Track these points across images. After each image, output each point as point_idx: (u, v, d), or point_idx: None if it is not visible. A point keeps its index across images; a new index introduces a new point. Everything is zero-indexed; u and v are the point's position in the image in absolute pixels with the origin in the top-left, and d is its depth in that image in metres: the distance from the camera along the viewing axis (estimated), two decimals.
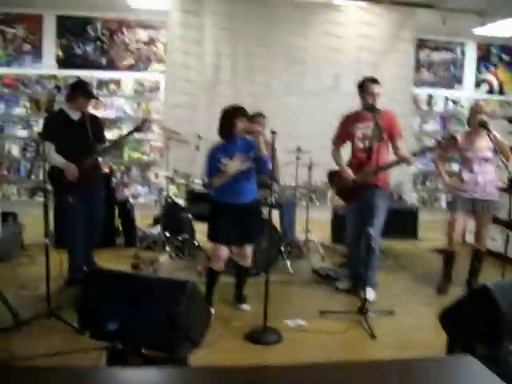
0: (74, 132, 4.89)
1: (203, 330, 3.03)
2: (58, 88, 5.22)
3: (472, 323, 3.10)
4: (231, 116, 4.30)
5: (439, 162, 5.42)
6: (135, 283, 2.94)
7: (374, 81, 4.86)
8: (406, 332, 4.36)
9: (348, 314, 4.54)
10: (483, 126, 4.89)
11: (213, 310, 4.46)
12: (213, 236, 4.49)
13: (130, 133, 5.14)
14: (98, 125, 5.18)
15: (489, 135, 4.83)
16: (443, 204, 9.46)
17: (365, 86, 4.86)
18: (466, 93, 9.40)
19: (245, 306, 4.67)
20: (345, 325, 4.38)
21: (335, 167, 5.20)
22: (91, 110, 7.91)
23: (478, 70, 9.47)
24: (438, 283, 5.41)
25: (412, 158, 4.73)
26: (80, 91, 4.92)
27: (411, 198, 8.97)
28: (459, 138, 5.22)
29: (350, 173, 4.95)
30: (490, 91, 9.53)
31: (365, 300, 4.48)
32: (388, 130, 4.82)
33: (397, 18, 7.27)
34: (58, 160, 4.79)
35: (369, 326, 4.27)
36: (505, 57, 9.49)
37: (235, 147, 4.34)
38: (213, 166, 4.31)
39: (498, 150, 4.87)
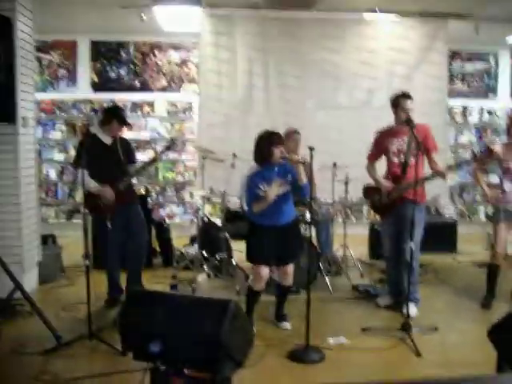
0: (107, 156, 4.94)
1: (246, 350, 2.99)
2: (94, 111, 5.31)
3: None
4: (268, 143, 4.26)
5: (478, 174, 5.32)
6: (176, 303, 2.94)
7: (407, 96, 4.83)
8: (451, 349, 4.26)
9: (390, 331, 4.46)
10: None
11: (254, 329, 4.45)
12: (252, 258, 4.47)
13: (161, 153, 5.18)
14: (128, 147, 5.23)
15: None
16: (482, 216, 9.29)
17: (398, 102, 4.82)
18: (501, 102, 9.24)
19: (286, 325, 4.62)
20: (388, 342, 4.30)
21: (371, 182, 5.17)
22: (126, 131, 8.18)
23: None
24: (482, 298, 5.27)
25: (447, 172, 4.67)
26: (115, 117, 4.97)
27: (449, 211, 8.83)
28: (498, 148, 5.11)
29: (388, 184, 4.91)
30: None
31: (407, 316, 4.40)
32: (423, 144, 4.76)
33: (429, 30, 7.18)
34: (93, 186, 4.81)
35: (413, 343, 4.18)
36: None
37: (273, 172, 4.31)
38: (252, 193, 4.31)
39: None
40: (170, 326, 2.84)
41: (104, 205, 4.85)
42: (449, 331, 4.58)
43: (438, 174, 4.65)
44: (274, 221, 4.37)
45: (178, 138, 8.17)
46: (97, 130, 5.02)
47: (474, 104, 9.14)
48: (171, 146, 5.11)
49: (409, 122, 4.65)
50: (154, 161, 5.23)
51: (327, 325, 4.73)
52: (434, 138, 4.92)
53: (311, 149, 3.96)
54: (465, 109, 9.07)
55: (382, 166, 5.14)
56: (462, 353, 4.18)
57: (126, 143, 5.21)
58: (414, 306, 4.90)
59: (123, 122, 5.04)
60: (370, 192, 5.19)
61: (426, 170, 4.86)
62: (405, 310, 4.50)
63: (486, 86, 9.23)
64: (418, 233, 4.79)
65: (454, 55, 8.71)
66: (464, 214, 9.28)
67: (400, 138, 4.88)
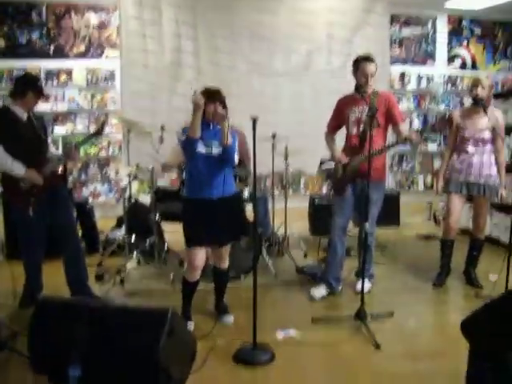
0: (24, 134, 4.19)
1: (188, 366, 2.47)
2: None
3: (505, 330, 2.62)
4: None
5: (443, 160, 4.92)
6: (101, 314, 2.35)
7: (368, 59, 4.34)
8: (411, 337, 3.89)
9: (344, 321, 4.04)
10: (476, 101, 4.46)
11: (192, 325, 3.94)
12: (187, 240, 3.91)
13: (88, 138, 4.59)
14: (43, 122, 4.53)
15: (485, 111, 4.38)
16: (421, 186, 9.08)
17: (358, 66, 4.34)
18: (439, 69, 8.99)
19: (228, 318, 4.11)
20: (342, 333, 3.89)
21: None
22: (40, 103, 7.35)
23: (450, 44, 9.05)
24: (434, 276, 4.96)
25: (418, 136, 4.18)
26: (30, 88, 4.21)
27: (388, 182, 8.54)
28: (455, 114, 4.74)
29: (342, 157, 4.45)
30: (463, 66, 9.14)
31: (362, 298, 3.99)
32: (386, 114, 4.34)
33: None
34: (15, 166, 4.07)
35: (370, 334, 3.77)
36: (476, 30, 9.10)
37: (209, 131, 3.79)
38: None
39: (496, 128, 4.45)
40: (93, 345, 2.26)
41: (27, 189, 4.14)
42: (405, 316, 4.22)
43: (408, 139, 4.12)
44: (206, 192, 3.80)
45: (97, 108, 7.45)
46: (10, 102, 4.24)
47: (412, 70, 8.83)
48: (102, 129, 4.42)
49: (359, 89, 4.20)
50: (80, 145, 4.64)
51: (274, 315, 4.24)
52: (398, 107, 4.50)
53: (254, 120, 3.41)
54: (403, 75, 8.74)
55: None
56: (423, 341, 3.84)
57: (40, 118, 4.50)
58: (368, 282, 4.64)
59: (40, 94, 4.30)
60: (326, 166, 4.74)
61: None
62: (359, 287, 4.14)
63: (424, 52, 8.93)
64: (376, 213, 4.43)
65: (391, 20, 8.31)
66: (403, 184, 9.04)
67: (361, 106, 4.41)
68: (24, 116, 4.23)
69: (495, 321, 2.70)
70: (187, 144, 3.73)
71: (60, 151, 4.76)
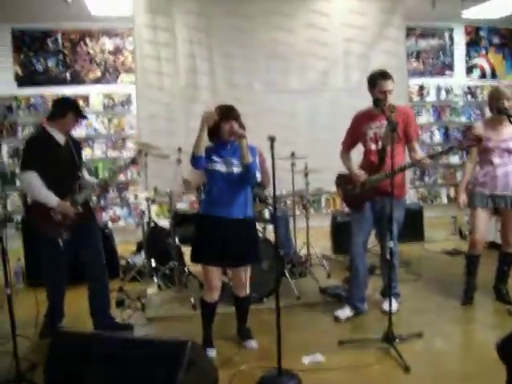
0: (61, 159, 4.08)
1: None
2: (9, 108, 4.45)
3: None
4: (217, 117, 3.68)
5: (465, 173, 4.72)
6: (116, 348, 2.26)
7: (386, 76, 4.23)
8: (441, 359, 3.72)
9: (371, 342, 3.90)
10: (503, 112, 4.31)
11: (214, 352, 3.84)
12: (198, 256, 3.82)
13: (126, 166, 4.59)
14: (79, 147, 4.41)
15: (510, 121, 4.24)
16: (444, 199, 8.90)
17: (375, 82, 4.24)
18: (458, 80, 8.87)
19: (251, 343, 3.99)
20: (370, 356, 3.74)
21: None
22: None
23: (468, 55, 8.93)
24: (462, 293, 4.79)
25: (427, 161, 4.09)
26: (70, 109, 4.12)
27: (410, 196, 8.38)
28: (478, 127, 4.60)
29: (361, 173, 4.34)
30: (483, 76, 9.00)
31: (389, 314, 3.85)
32: (404, 130, 4.22)
33: (386, 3, 6.66)
34: (48, 197, 3.98)
35: (399, 356, 3.63)
36: (494, 39, 8.97)
37: (226, 151, 3.75)
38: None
39: None
40: (108, 379, 2.18)
41: (59, 220, 4.03)
42: (434, 336, 4.06)
43: (417, 162, 4.08)
44: (225, 211, 3.72)
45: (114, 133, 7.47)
46: (47, 126, 4.12)
47: (431, 82, 8.71)
48: (136, 159, 4.48)
49: (378, 103, 4.09)
50: (112, 177, 4.57)
51: (298, 340, 4.10)
52: (416, 124, 4.39)
53: (272, 139, 3.33)
54: (421, 88, 8.63)
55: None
56: (455, 363, 3.68)
57: (77, 142, 4.40)
58: (395, 302, 4.46)
59: (80, 115, 4.21)
60: (342, 181, 4.61)
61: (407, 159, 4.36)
62: (385, 307, 4.08)
63: (442, 64, 8.81)
64: (397, 229, 4.27)
65: (408, 32, 8.22)
66: (426, 199, 8.87)
67: (378, 121, 4.30)
68: (62, 140, 4.13)
69: None
70: (194, 162, 3.67)
71: (94, 178, 4.64)
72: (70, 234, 4.08)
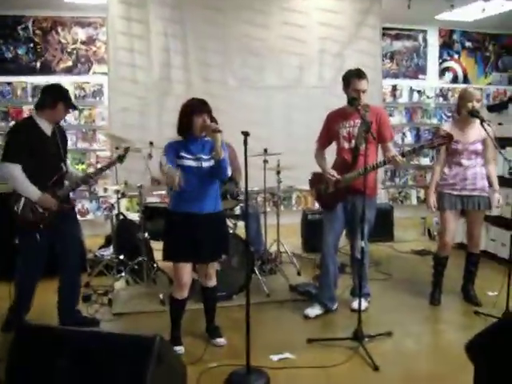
0: (46, 151, 3.93)
1: None
2: None
3: None
4: (189, 112, 3.61)
5: (433, 175, 4.71)
6: (81, 343, 2.20)
7: (360, 75, 4.22)
8: (411, 359, 3.74)
9: (340, 341, 3.89)
10: (475, 115, 4.34)
11: (182, 349, 3.78)
12: (170, 253, 3.76)
13: (112, 164, 4.32)
14: (65, 139, 4.27)
15: (482, 125, 4.27)
16: (414, 200, 8.98)
17: (349, 81, 4.22)
18: (431, 82, 8.95)
19: (220, 341, 3.94)
20: (339, 355, 3.72)
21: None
22: None
23: (441, 57, 9.02)
24: (430, 294, 4.83)
25: (399, 158, 4.03)
26: (61, 98, 3.96)
27: (381, 196, 8.43)
28: (447, 128, 4.61)
29: (333, 173, 4.31)
30: (455, 79, 9.10)
31: (359, 319, 3.84)
32: (377, 130, 4.21)
33: (362, 3, 6.68)
34: (29, 189, 3.85)
35: (368, 355, 3.63)
36: (467, 43, 9.07)
37: (196, 147, 3.67)
38: (172, 154, 3.61)
39: (492, 139, 4.35)
40: (74, 375, 2.11)
41: (39, 214, 3.91)
42: (403, 336, 4.09)
43: (390, 160, 4.06)
44: (196, 207, 3.66)
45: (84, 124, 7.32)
46: (35, 115, 3.97)
47: (404, 84, 8.77)
48: (123, 157, 4.26)
49: (353, 101, 4.09)
50: (96, 173, 4.31)
51: (268, 337, 4.08)
52: (389, 125, 4.40)
53: (245, 134, 3.29)
54: (394, 89, 8.68)
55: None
56: (424, 363, 3.69)
57: (63, 132, 4.24)
58: (364, 301, 4.47)
59: (71, 106, 4.07)
60: (316, 180, 4.59)
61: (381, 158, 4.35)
62: (355, 306, 4.15)
63: (415, 65, 8.88)
64: (368, 229, 4.27)
65: (383, 33, 8.25)
66: (396, 199, 8.94)
67: (352, 120, 4.30)
68: (48, 130, 3.98)
69: (505, 343, 2.57)
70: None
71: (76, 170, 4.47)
72: (49, 226, 3.95)
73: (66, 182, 4.11)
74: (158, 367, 2.10)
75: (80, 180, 4.15)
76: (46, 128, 3.96)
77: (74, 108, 4.22)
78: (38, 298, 4.34)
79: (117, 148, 5.49)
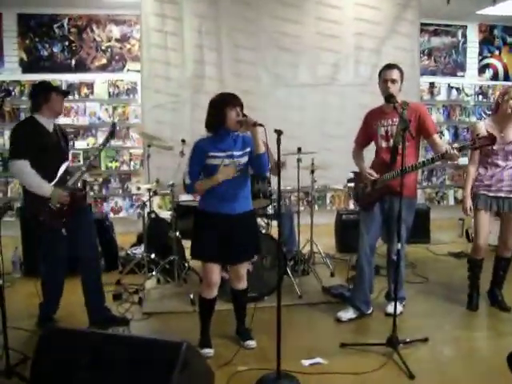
0: (50, 146, 3.98)
1: None
2: (6, 91, 4.28)
3: None
4: (221, 104, 3.49)
5: (468, 177, 4.50)
6: (104, 348, 2.14)
7: (390, 66, 4.13)
8: (447, 367, 3.59)
9: (374, 347, 3.77)
10: None
11: (211, 352, 3.71)
12: (198, 253, 3.70)
13: (105, 142, 4.27)
14: (66, 135, 4.36)
15: None
16: (451, 201, 8.75)
17: (380, 75, 4.14)
18: (470, 79, 8.69)
19: (250, 344, 3.86)
20: (373, 361, 3.60)
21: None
22: (61, 117, 7.23)
23: (481, 54, 8.75)
24: (467, 300, 4.65)
25: (456, 153, 3.81)
26: (51, 89, 4.02)
27: (418, 196, 8.23)
28: (482, 127, 4.41)
29: (371, 172, 4.20)
30: (495, 77, 8.82)
31: (394, 318, 3.71)
32: (419, 126, 4.07)
33: None
34: (41, 185, 3.86)
35: (403, 362, 3.50)
36: (508, 39, 8.78)
37: (229, 142, 3.56)
38: (198, 163, 3.54)
39: None
40: (96, 380, 2.06)
41: (58, 209, 3.92)
42: (440, 342, 3.94)
43: (448, 155, 3.82)
44: (226, 208, 3.58)
45: (118, 121, 7.31)
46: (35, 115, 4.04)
47: (442, 81, 8.54)
48: (113, 131, 4.26)
49: (389, 99, 3.95)
50: (96, 156, 4.31)
51: (299, 341, 3.98)
52: (431, 119, 4.24)
53: (279, 132, 3.19)
54: (432, 86, 8.46)
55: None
56: (460, 371, 3.53)
57: (65, 132, 4.35)
58: (399, 305, 4.34)
59: (62, 92, 4.13)
60: (356, 179, 4.51)
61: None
62: (390, 310, 4.04)
63: (454, 62, 8.64)
64: (405, 231, 4.13)
65: (421, 29, 8.04)
66: (433, 199, 8.72)
67: (389, 119, 4.17)
68: (50, 127, 4.05)
69: None
70: (188, 191, 3.68)
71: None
72: (69, 218, 3.97)
73: (73, 174, 4.09)
74: (184, 373, 2.03)
75: (85, 167, 4.13)
76: (48, 125, 4.02)
77: (67, 92, 4.28)
78: (68, 297, 4.34)
79: (149, 146, 5.48)
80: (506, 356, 2.59)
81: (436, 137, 4.15)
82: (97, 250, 4.42)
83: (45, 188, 3.86)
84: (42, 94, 3.98)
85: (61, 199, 3.90)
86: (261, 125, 3.36)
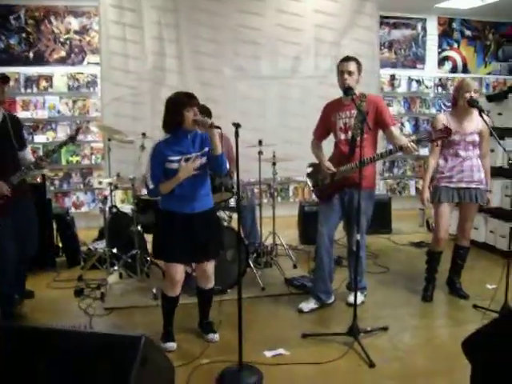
0: None
1: None
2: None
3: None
4: (177, 105, 3.44)
5: (427, 169, 4.54)
6: (61, 342, 2.12)
7: (347, 58, 4.16)
8: (405, 354, 3.66)
9: (335, 336, 3.81)
10: (474, 105, 4.23)
11: (174, 346, 3.70)
12: (160, 253, 3.69)
13: (61, 146, 4.23)
14: (20, 127, 4.30)
15: (481, 115, 4.17)
16: (412, 191, 8.88)
17: (337, 67, 4.17)
18: (430, 72, 8.83)
19: (213, 337, 3.86)
20: (334, 350, 3.64)
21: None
22: (20, 111, 7.10)
23: (440, 47, 8.89)
24: (423, 290, 4.73)
25: (414, 146, 3.81)
26: None
27: (379, 187, 8.34)
28: (442, 118, 4.48)
29: (329, 166, 4.22)
30: (454, 69, 8.97)
31: (354, 314, 3.75)
32: (376, 118, 4.12)
33: None
34: None
35: (364, 351, 3.55)
36: (466, 32, 8.94)
37: (186, 142, 3.53)
38: (158, 166, 3.49)
39: (490, 130, 4.25)
40: (52, 376, 2.03)
41: None
42: (399, 331, 4.02)
43: (402, 149, 3.85)
44: (187, 207, 3.56)
45: (83, 124, 7.26)
46: None
47: (402, 73, 8.65)
48: (74, 137, 4.20)
49: (347, 91, 3.99)
50: (53, 152, 4.27)
51: (261, 332, 4.01)
52: (388, 111, 4.28)
53: (236, 125, 3.18)
54: (393, 78, 8.56)
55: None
56: (420, 359, 3.61)
57: (17, 122, 4.26)
58: (360, 295, 4.45)
59: (2, 79, 4.03)
60: (313, 170, 4.52)
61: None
62: (351, 300, 4.09)
63: (414, 55, 8.76)
64: (364, 222, 4.18)
65: (381, 21, 8.11)
66: (394, 190, 8.84)
67: (347, 111, 4.20)
68: None
69: (502, 342, 2.49)
70: (152, 194, 3.65)
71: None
72: (7, 212, 3.97)
73: (20, 170, 4.07)
74: (143, 368, 2.02)
75: (32, 164, 4.10)
76: None
77: (6, 80, 4.12)
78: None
79: (109, 139, 5.42)
80: (461, 342, 2.63)
81: (393, 129, 4.19)
82: (36, 247, 4.42)
83: None
84: None
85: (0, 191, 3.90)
86: (217, 127, 3.36)
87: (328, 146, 4.49)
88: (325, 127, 4.41)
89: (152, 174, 3.50)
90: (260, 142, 5.26)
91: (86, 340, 2.14)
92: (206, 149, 3.54)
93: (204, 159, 3.56)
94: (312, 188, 4.55)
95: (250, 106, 6.46)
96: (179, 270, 3.64)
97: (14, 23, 7.36)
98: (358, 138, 3.77)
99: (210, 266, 3.81)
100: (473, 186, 4.43)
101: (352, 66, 4.11)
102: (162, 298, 3.78)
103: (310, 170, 4.58)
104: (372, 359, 3.47)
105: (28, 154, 4.36)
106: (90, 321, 4.20)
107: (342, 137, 4.24)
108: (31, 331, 2.22)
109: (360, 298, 4.39)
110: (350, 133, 4.17)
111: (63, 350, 2.11)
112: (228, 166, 3.65)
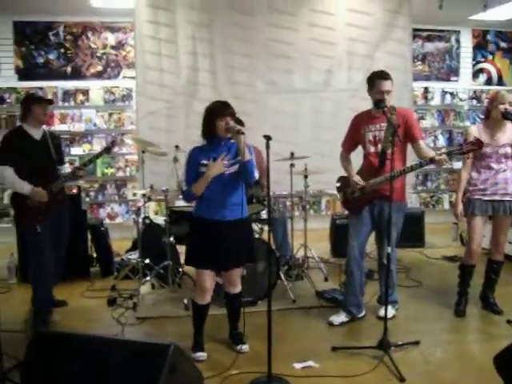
0: (37, 154, 4.26)
1: None
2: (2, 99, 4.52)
3: None
4: (212, 115, 3.58)
5: (460, 182, 4.49)
6: (96, 349, 2.17)
7: (384, 76, 4.13)
8: (437, 370, 3.60)
9: (366, 350, 3.80)
10: (508, 117, 4.19)
11: (204, 356, 3.74)
12: (193, 260, 3.75)
13: (97, 156, 4.55)
14: (58, 144, 4.62)
15: None
16: (446, 205, 8.78)
17: (373, 83, 4.14)
18: (464, 84, 8.75)
19: (243, 348, 3.88)
20: (364, 364, 3.63)
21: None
22: (57, 123, 7.29)
23: (475, 59, 8.81)
24: (455, 305, 4.65)
25: (445, 158, 3.81)
26: (32, 101, 4.33)
27: (412, 201, 8.28)
28: (474, 131, 4.45)
29: (358, 179, 4.23)
30: (489, 81, 8.87)
31: (385, 328, 3.73)
32: (406, 131, 4.11)
33: (391, 4, 6.54)
34: (21, 185, 4.14)
35: (394, 365, 3.53)
36: (502, 44, 8.85)
37: (220, 150, 3.62)
38: (192, 171, 3.61)
39: None
40: (86, 380, 2.09)
41: (34, 206, 4.16)
42: (431, 345, 3.96)
43: (433, 161, 3.86)
44: (217, 214, 3.62)
45: (118, 137, 7.44)
46: (23, 125, 4.34)
47: (436, 86, 8.60)
48: (109, 148, 4.51)
49: (379, 104, 3.99)
50: (90, 162, 4.61)
51: (291, 344, 4.01)
52: (418, 124, 4.26)
53: (267, 138, 3.23)
54: (426, 91, 8.51)
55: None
56: (450, 374, 3.54)
57: (56, 138, 4.60)
58: (391, 309, 4.40)
59: (44, 101, 4.40)
60: (343, 183, 4.53)
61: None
62: (381, 313, 4.09)
63: (448, 67, 8.70)
64: (395, 235, 4.17)
65: (414, 34, 8.09)
66: (428, 204, 8.76)
67: (377, 124, 4.20)
68: (37, 135, 4.33)
69: None
70: (189, 199, 3.74)
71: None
72: (46, 218, 4.21)
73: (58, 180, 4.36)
74: (172, 376, 2.06)
75: (70, 173, 4.43)
76: (35, 133, 4.32)
77: (49, 101, 4.54)
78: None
79: (143, 152, 5.52)
80: (493, 358, 2.61)
81: (421, 142, 4.18)
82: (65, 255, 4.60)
83: (25, 187, 4.12)
84: (26, 106, 4.30)
85: (39, 197, 4.15)
86: (242, 132, 3.44)
87: (356, 157, 4.49)
88: (353, 139, 4.42)
89: (187, 177, 3.65)
90: (292, 155, 5.29)
91: (117, 347, 2.20)
92: (239, 157, 3.60)
93: (236, 167, 3.62)
94: (341, 200, 4.56)
95: (282, 119, 6.49)
96: (209, 278, 3.69)
97: (52, 39, 7.60)
98: (389, 151, 3.78)
99: (236, 273, 3.86)
100: (507, 198, 4.37)
101: (389, 85, 4.11)
102: (193, 305, 3.84)
103: (338, 184, 4.58)
104: (402, 373, 3.43)
105: (66, 169, 4.66)
106: (123, 330, 4.27)
107: (372, 149, 4.24)
108: (67, 337, 2.28)
109: (391, 311, 4.35)
110: (379, 146, 4.17)
111: (94, 355, 2.16)
112: (257, 175, 3.69)
